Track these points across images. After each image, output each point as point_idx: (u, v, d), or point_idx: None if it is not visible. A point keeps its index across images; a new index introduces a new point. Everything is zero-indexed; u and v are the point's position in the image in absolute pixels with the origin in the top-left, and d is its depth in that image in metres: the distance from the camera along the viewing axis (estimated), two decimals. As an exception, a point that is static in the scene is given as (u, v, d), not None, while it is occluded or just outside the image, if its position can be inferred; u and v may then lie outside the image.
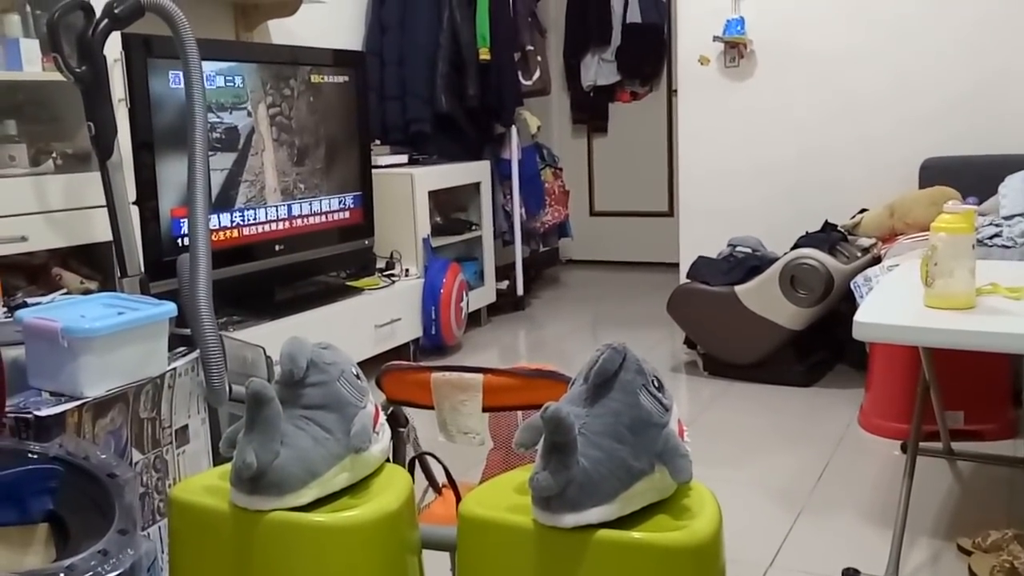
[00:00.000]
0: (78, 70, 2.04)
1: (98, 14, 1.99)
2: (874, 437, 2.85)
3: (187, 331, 1.70)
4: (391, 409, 1.49)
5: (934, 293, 1.84)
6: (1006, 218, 2.94)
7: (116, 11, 1.95)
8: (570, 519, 0.99)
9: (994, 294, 1.91)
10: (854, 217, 3.57)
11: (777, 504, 2.41)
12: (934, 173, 3.51)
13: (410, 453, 1.53)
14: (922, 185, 3.53)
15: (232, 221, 3.13)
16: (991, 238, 2.87)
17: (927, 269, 1.84)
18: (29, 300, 1.94)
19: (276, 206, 3.30)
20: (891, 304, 1.96)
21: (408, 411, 1.52)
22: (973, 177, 3.30)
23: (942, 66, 3.63)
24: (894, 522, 2.06)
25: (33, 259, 2.56)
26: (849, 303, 3.09)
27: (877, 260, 3.20)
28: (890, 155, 3.73)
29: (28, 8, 2.55)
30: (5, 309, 1.86)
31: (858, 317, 1.81)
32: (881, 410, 2.90)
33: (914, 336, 1.86)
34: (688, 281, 3.59)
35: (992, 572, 1.93)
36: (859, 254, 3.38)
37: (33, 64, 2.52)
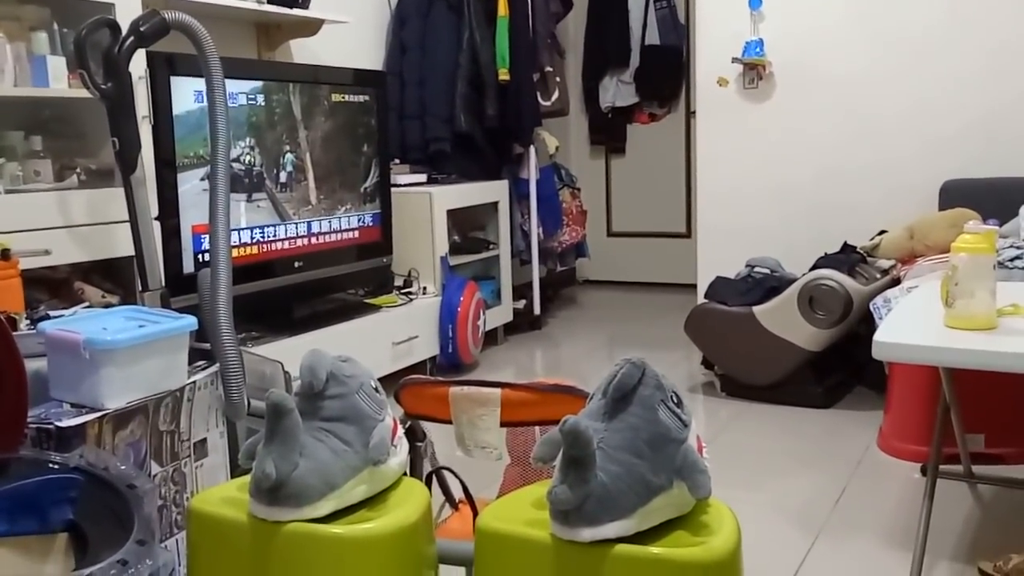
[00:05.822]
0: (104, 86, 2.08)
1: (124, 32, 2.03)
2: (893, 460, 2.83)
3: (207, 345, 1.71)
4: (409, 423, 1.49)
5: (954, 313, 1.83)
6: (1027, 240, 2.92)
7: (142, 29, 1.98)
8: (588, 533, 0.99)
9: (1015, 315, 1.90)
10: (873, 239, 3.56)
11: (795, 527, 2.39)
12: (954, 195, 3.50)
13: (427, 468, 1.53)
14: (942, 207, 3.52)
15: (252, 238, 3.15)
16: (1012, 260, 2.84)
17: (947, 289, 1.83)
18: (51, 313, 1.97)
19: (296, 223, 3.32)
20: (911, 324, 1.95)
21: (425, 426, 1.53)
22: (993, 199, 3.28)
23: (962, 88, 3.62)
24: (914, 545, 2.04)
25: (56, 273, 2.59)
26: (868, 325, 3.07)
27: (896, 282, 3.18)
28: (910, 177, 3.72)
29: (55, 26, 2.59)
30: (28, 322, 1.88)
31: (878, 336, 1.80)
32: (900, 432, 2.87)
33: (934, 356, 1.84)
34: (706, 301, 3.58)
35: (1014, 597, 1.91)
36: (878, 276, 3.36)
37: (60, 81, 2.55)
